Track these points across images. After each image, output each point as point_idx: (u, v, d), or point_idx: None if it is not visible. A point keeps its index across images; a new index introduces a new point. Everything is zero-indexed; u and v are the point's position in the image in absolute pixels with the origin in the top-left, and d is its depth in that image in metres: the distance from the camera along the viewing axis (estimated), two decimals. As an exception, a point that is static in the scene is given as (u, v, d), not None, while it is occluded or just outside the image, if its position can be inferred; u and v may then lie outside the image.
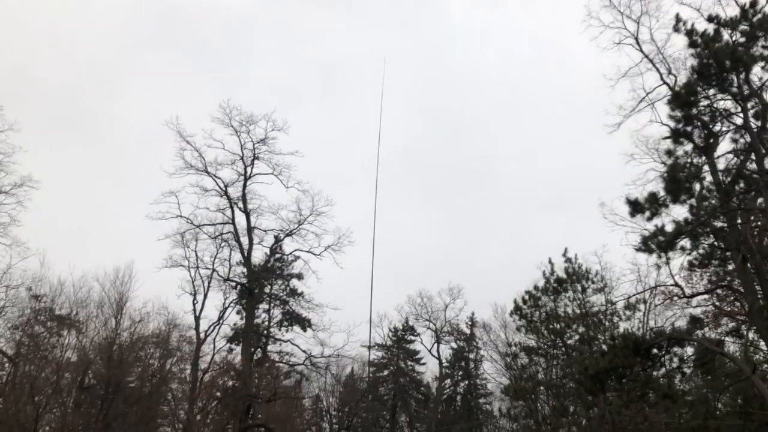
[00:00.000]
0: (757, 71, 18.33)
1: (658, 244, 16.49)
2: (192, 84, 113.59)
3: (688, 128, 16.31)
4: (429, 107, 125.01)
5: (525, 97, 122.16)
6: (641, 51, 25.84)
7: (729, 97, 16.15)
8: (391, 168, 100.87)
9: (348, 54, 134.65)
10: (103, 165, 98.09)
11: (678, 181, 15.61)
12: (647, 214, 16.37)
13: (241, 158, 38.74)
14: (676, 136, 16.49)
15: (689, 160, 16.93)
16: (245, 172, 38.88)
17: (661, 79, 25.18)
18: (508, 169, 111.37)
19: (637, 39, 25.80)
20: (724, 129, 16.94)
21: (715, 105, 16.36)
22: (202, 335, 40.86)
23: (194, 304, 40.94)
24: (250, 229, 39.01)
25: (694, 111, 16.14)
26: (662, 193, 16.17)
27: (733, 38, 18.13)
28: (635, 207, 16.53)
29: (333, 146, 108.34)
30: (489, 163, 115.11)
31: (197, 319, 40.81)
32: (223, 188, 38.51)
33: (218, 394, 44.26)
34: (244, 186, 38.93)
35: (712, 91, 15.93)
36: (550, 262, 35.95)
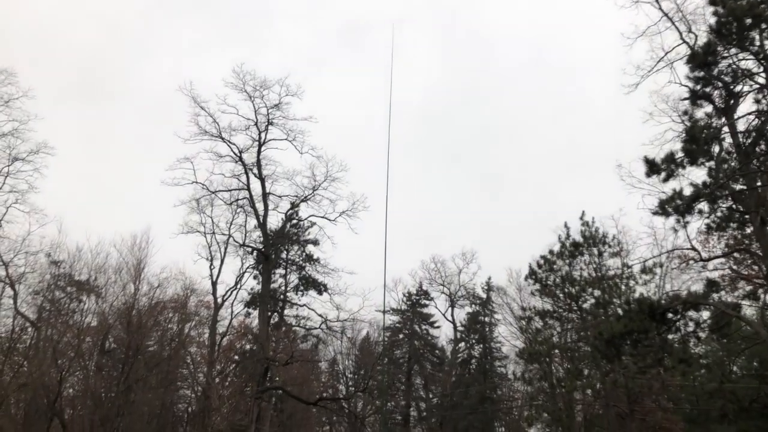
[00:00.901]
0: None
1: (676, 207, 16.19)
2: (216, 46, 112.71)
3: (707, 89, 15.83)
4: (455, 66, 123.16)
5: (554, 54, 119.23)
6: (660, 9, 25.11)
7: (751, 57, 15.63)
8: (414, 130, 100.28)
9: (371, 12, 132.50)
10: (125, 130, 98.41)
11: (697, 140, 15.20)
12: (663, 174, 16.00)
13: (255, 124, 38.54)
14: (695, 97, 16.03)
15: (709, 122, 16.54)
16: (259, 137, 38.71)
17: (681, 38, 24.52)
18: (536, 130, 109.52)
19: (656, -5, 25.12)
20: (745, 89, 16.47)
21: (736, 64, 15.86)
22: (219, 300, 41.44)
23: (211, 270, 41.50)
24: (265, 195, 39.00)
25: (714, 71, 15.64)
26: (680, 153, 15.77)
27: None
28: (651, 167, 16.14)
29: (356, 108, 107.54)
30: (515, 123, 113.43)
31: (214, 284, 41.34)
32: (238, 154, 38.42)
33: (236, 357, 45.04)
34: (259, 152, 38.80)
35: (733, 50, 15.41)
36: (566, 226, 35.77)
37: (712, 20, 15.63)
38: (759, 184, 19.93)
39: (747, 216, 21.81)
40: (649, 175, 16.33)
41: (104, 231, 62.18)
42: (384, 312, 54.22)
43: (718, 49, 15.28)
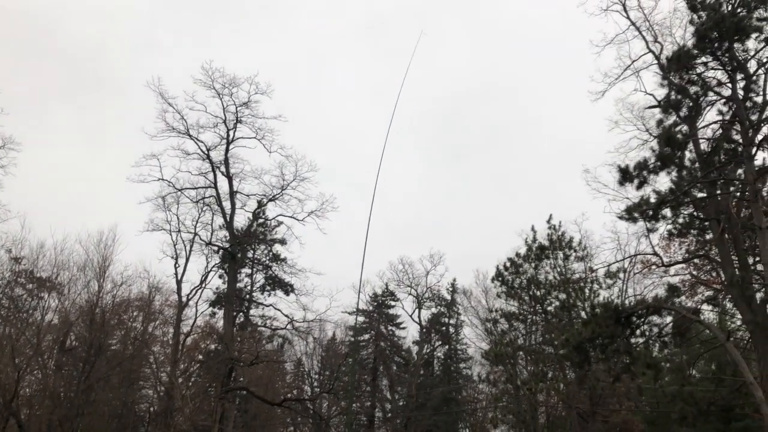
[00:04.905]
0: (751, 43, 18.18)
1: (643, 213, 16.53)
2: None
3: (679, 97, 16.20)
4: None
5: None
6: (628, 18, 25.68)
7: (719, 67, 16.05)
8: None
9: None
10: (112, 126, 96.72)
11: (674, 144, 15.51)
12: (636, 182, 16.33)
13: (224, 121, 38.18)
14: (667, 105, 16.40)
15: (675, 129, 16.93)
16: (227, 135, 38.37)
17: (647, 47, 25.10)
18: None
19: (624, 5, 25.64)
20: (711, 99, 16.90)
21: (704, 74, 16.29)
22: (184, 299, 40.82)
23: (176, 268, 40.80)
24: (232, 194, 38.68)
25: (686, 79, 16.01)
26: (652, 160, 16.10)
27: (731, 4, 17.77)
28: (624, 175, 16.46)
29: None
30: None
31: (179, 282, 40.69)
32: (205, 152, 38.03)
33: (200, 357, 44.53)
34: (227, 150, 38.47)
35: (703, 59, 15.82)
36: (532, 229, 36.25)
37: (692, 28, 15.92)
38: (719, 192, 20.50)
39: (707, 223, 22.42)
40: (622, 183, 16.64)
41: (70, 227, 61.08)
42: (357, 312, 54.37)
43: (695, 53, 15.56)
